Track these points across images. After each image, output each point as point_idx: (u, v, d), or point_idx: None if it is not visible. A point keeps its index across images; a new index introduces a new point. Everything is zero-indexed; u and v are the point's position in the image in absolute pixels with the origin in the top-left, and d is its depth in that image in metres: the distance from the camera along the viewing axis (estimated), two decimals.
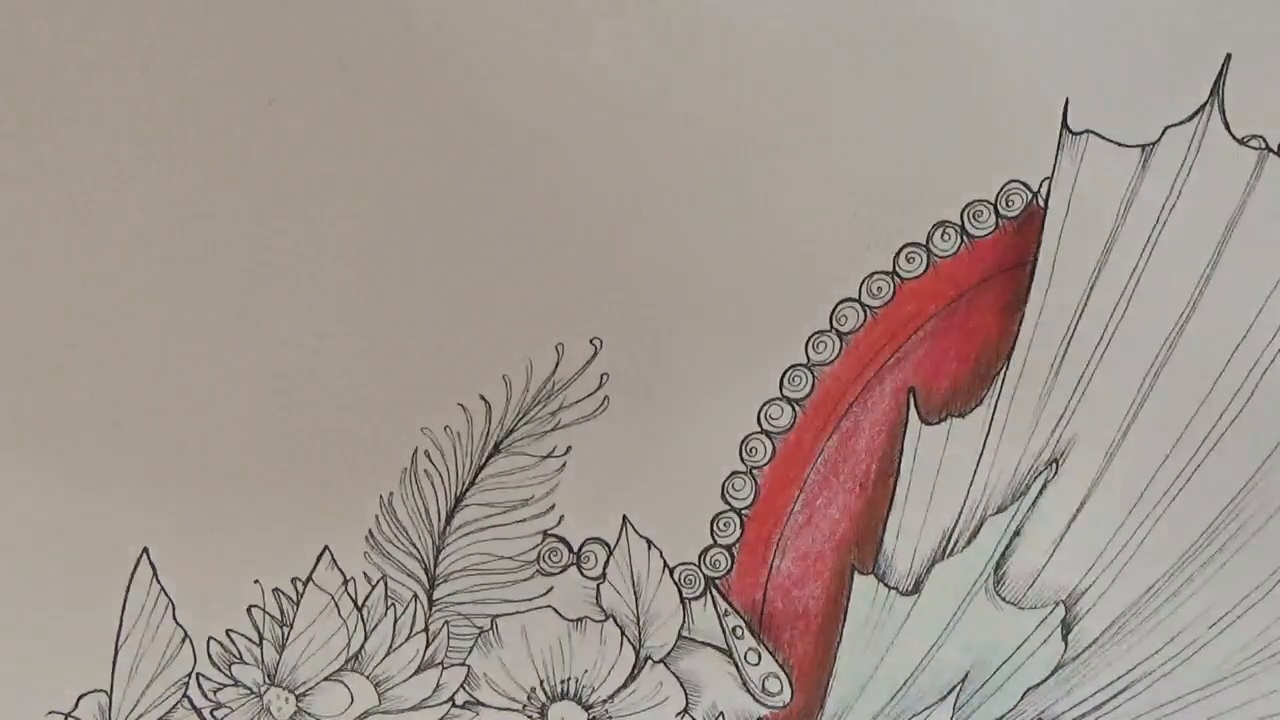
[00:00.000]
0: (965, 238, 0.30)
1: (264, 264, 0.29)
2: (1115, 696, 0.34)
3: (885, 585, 0.33)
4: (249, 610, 0.32)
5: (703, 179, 0.30)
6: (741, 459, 0.32)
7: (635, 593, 0.32)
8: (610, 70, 0.29)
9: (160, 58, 0.28)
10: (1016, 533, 0.33)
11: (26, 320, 0.29)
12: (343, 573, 0.32)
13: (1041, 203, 0.30)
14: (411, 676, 0.33)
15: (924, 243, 0.30)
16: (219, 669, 0.32)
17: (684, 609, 0.33)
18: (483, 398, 0.31)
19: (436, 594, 0.32)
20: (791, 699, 0.34)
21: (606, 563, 0.32)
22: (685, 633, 0.33)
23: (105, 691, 0.32)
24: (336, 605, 0.32)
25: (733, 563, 0.32)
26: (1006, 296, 0.31)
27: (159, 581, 0.31)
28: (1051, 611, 0.33)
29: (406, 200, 0.29)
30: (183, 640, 0.32)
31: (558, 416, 0.31)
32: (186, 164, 0.28)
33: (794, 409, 0.31)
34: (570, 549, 0.32)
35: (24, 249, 0.29)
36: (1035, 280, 0.31)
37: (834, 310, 0.31)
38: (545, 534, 0.32)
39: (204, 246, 0.29)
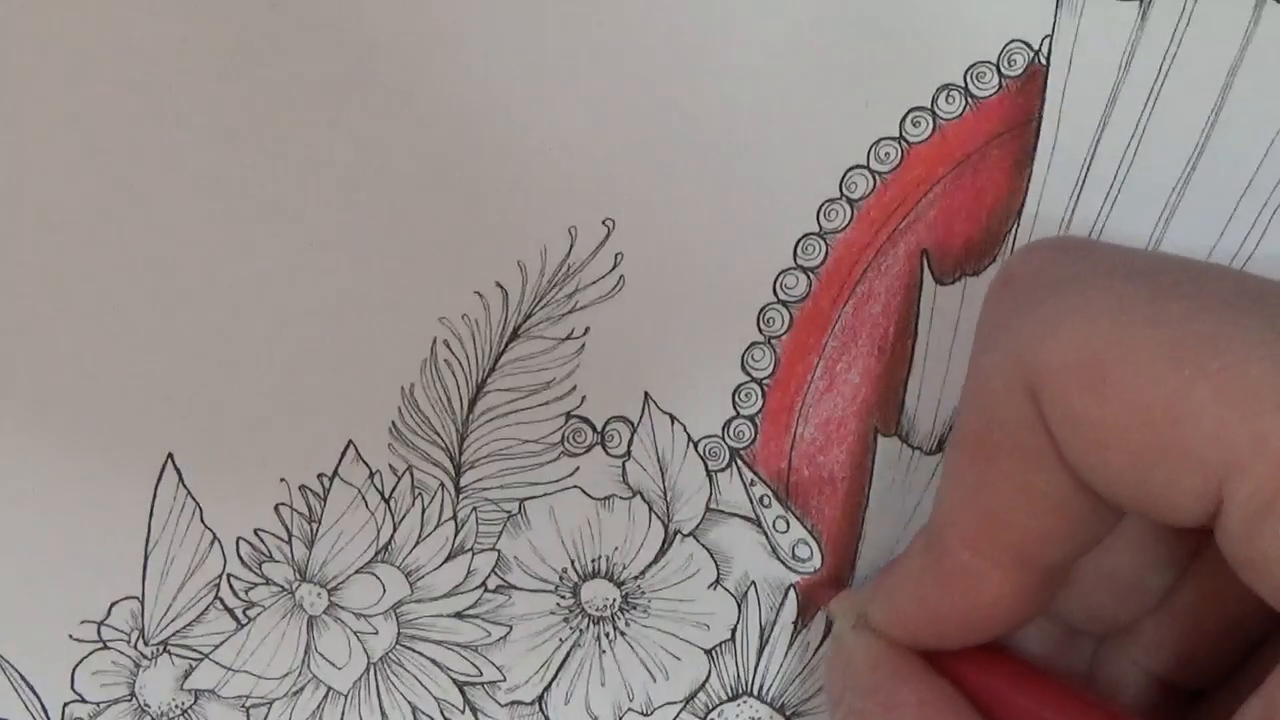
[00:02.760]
0: (969, 99, 0.32)
1: (275, 161, 0.31)
2: None
3: (909, 446, 0.36)
4: (276, 508, 0.35)
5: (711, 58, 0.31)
6: (759, 329, 0.34)
7: (661, 468, 0.35)
8: None
9: None
10: None
11: (43, 222, 0.31)
12: (368, 466, 0.34)
13: (1043, 61, 0.32)
14: (442, 564, 0.36)
15: (929, 106, 0.32)
16: (250, 568, 0.35)
17: (710, 481, 0.36)
18: (499, 284, 0.33)
19: (463, 481, 0.35)
20: (822, 564, 0.37)
21: (631, 440, 0.35)
22: (713, 505, 0.36)
23: (137, 598, 0.35)
24: (363, 498, 0.35)
25: (756, 433, 0.35)
26: (1014, 155, 0.33)
27: (185, 486, 0.34)
28: None
29: (416, 94, 0.31)
30: (212, 542, 0.35)
31: (574, 299, 0.33)
32: (207, 80, 0.30)
33: (809, 277, 0.34)
34: (594, 429, 0.35)
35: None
36: (1041, 137, 0.33)
37: (843, 178, 0.33)
38: (568, 415, 0.35)
39: (217, 150, 0.31)
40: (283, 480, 0.35)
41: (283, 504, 0.35)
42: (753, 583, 0.37)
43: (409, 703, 0.37)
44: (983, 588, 0.29)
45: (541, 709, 0.38)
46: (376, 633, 0.36)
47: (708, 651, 0.38)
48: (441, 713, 0.38)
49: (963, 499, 0.29)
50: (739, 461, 0.36)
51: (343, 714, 0.37)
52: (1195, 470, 0.24)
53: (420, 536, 0.36)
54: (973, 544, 0.29)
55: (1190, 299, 0.25)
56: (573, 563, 0.36)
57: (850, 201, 0.33)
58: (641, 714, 0.38)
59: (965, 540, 0.29)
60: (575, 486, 0.36)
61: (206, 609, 0.36)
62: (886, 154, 0.33)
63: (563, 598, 0.37)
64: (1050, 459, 0.27)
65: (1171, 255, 0.28)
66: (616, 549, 0.36)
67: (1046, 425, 0.26)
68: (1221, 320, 0.24)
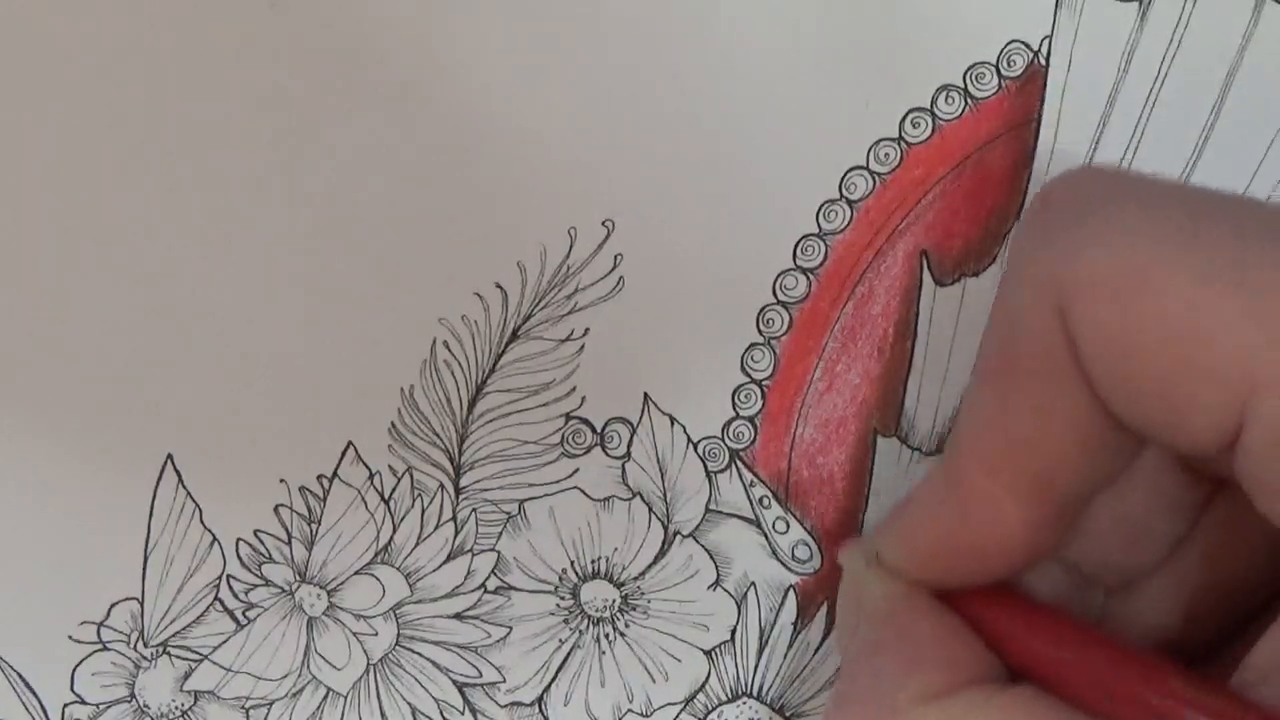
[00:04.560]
0: (969, 100, 0.32)
1: (275, 162, 0.31)
2: None
3: (908, 446, 0.36)
4: (276, 509, 0.34)
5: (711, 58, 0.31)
6: (759, 330, 0.34)
7: (660, 469, 0.35)
8: None
9: None
10: None
11: (43, 222, 0.31)
12: (368, 467, 0.34)
13: (1043, 61, 0.32)
14: (442, 565, 0.36)
15: (928, 107, 0.32)
16: (249, 569, 0.35)
17: (710, 482, 0.36)
18: (498, 285, 0.33)
19: (463, 482, 0.35)
20: (821, 564, 0.37)
21: (630, 441, 0.35)
22: (712, 506, 0.36)
23: (136, 599, 0.35)
24: (363, 499, 0.35)
25: (756, 434, 0.35)
26: (1013, 155, 0.33)
27: (185, 487, 0.34)
28: None
29: (416, 94, 0.31)
30: (211, 543, 0.34)
31: (574, 300, 0.33)
32: (203, 81, 0.30)
33: (808, 278, 0.34)
34: (593, 430, 0.35)
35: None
36: (1040, 138, 0.33)
37: (843, 179, 0.33)
38: (568, 416, 0.34)
39: (217, 150, 0.31)
40: (282, 481, 0.35)
41: (282, 505, 0.35)
42: (752, 584, 0.37)
43: (408, 704, 0.37)
44: (997, 517, 0.29)
45: (541, 710, 0.38)
46: (376, 634, 0.36)
47: (707, 652, 0.38)
48: (441, 714, 0.38)
49: (982, 423, 0.29)
50: (739, 462, 0.36)
51: (342, 715, 0.37)
52: (1219, 387, 0.24)
53: (420, 537, 0.36)
54: (990, 470, 0.29)
55: (1223, 221, 0.25)
56: (572, 564, 0.36)
57: (850, 202, 0.33)
58: (641, 715, 0.38)
59: (983, 466, 0.29)
60: (575, 487, 0.36)
61: (206, 610, 0.36)
62: (886, 155, 0.33)
63: (562, 599, 0.37)
64: (1073, 378, 0.26)
65: (1206, 187, 0.28)
66: (616, 550, 0.36)
67: (1072, 343, 0.26)
68: (1253, 240, 0.24)
